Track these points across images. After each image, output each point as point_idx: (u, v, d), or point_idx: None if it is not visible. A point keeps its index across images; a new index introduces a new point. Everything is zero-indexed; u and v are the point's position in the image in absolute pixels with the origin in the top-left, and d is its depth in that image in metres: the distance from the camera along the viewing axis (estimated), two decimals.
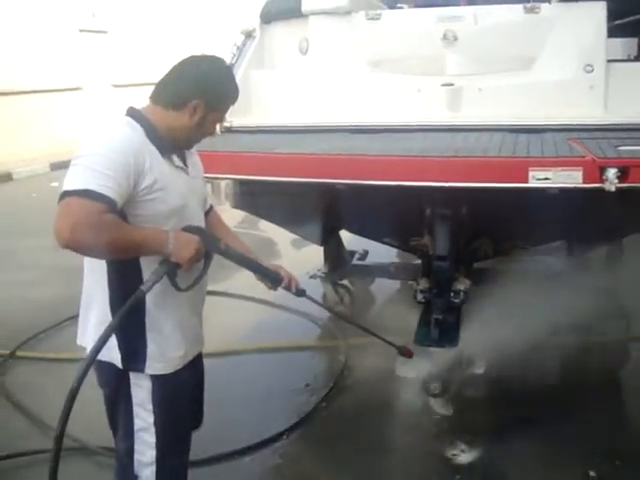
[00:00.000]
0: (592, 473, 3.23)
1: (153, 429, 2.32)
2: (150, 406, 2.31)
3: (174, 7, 15.69)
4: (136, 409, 2.33)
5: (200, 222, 2.35)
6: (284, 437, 3.62)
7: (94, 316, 2.29)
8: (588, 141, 3.29)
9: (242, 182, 3.92)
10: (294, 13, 4.27)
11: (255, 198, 3.99)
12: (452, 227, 3.56)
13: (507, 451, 3.42)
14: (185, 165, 2.32)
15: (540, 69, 3.89)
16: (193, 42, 15.81)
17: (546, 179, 2.95)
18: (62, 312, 4.93)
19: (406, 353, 3.12)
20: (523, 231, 3.66)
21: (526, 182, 2.96)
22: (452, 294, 3.56)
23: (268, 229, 5.85)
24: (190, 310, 2.38)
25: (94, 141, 2.11)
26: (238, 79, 4.20)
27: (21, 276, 6.33)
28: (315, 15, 4.17)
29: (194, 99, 2.19)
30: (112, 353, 2.25)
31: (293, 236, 5.34)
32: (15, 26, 12.00)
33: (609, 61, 3.89)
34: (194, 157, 2.43)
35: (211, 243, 2.26)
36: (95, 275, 2.26)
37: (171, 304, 2.27)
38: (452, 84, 3.93)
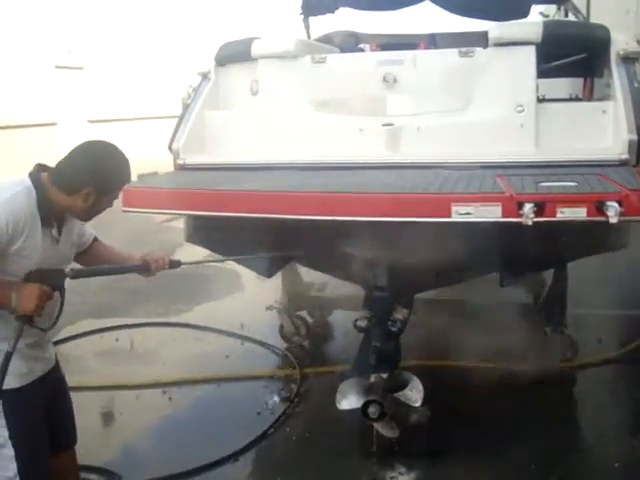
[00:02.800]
0: None
1: (10, 443, 2.48)
2: (3, 421, 2.47)
3: (149, 45, 15.93)
4: None
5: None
6: (231, 461, 3.76)
7: None
8: (514, 177, 3.48)
9: (195, 217, 4.10)
10: (245, 57, 4.49)
11: (206, 233, 4.15)
12: (390, 259, 3.73)
13: (443, 474, 3.58)
14: (59, 234, 2.52)
15: (474, 109, 4.10)
16: (166, 78, 16.07)
17: (467, 214, 3.13)
18: None
19: None
20: (458, 265, 3.83)
21: (449, 216, 3.15)
22: (390, 323, 3.72)
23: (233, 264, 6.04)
24: (33, 334, 2.51)
25: None
26: (192, 119, 4.49)
27: None
28: (264, 59, 4.39)
29: (85, 188, 2.42)
30: None
31: None
32: None
33: (539, 101, 4.12)
34: (71, 223, 2.61)
35: (56, 277, 2.45)
36: None
37: (9, 332, 2.43)
38: (392, 124, 4.14)
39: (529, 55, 4.05)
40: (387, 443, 3.76)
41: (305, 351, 5.22)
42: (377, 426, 3.72)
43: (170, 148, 4.43)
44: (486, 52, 4.15)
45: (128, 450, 3.94)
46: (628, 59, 4.00)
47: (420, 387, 3.71)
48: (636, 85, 3.92)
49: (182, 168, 4.34)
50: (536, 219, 3.07)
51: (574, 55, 4.32)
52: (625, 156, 3.74)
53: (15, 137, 12.46)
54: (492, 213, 3.13)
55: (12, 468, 2.50)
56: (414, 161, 4.00)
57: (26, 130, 12.70)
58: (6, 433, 2.47)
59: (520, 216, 3.09)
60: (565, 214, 3.08)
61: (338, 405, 3.69)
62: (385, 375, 3.66)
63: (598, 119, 3.98)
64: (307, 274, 5.53)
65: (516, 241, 3.44)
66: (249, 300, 6.57)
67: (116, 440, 4.08)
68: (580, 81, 5.13)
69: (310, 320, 5.55)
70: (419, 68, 4.21)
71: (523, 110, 4.03)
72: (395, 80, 4.18)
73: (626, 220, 3.06)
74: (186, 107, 4.59)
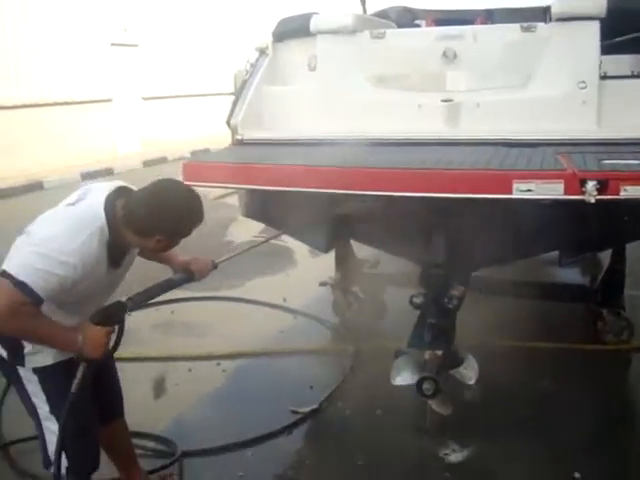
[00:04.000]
0: (577, 475, 3.37)
1: (53, 417, 2.57)
2: (44, 397, 2.56)
3: (202, 23, 16.03)
4: (34, 400, 2.59)
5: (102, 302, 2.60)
6: (285, 433, 3.81)
7: None
8: (575, 155, 3.44)
9: (252, 192, 4.15)
10: (304, 32, 4.50)
11: (264, 207, 4.19)
12: (447, 236, 3.73)
13: (496, 451, 3.57)
14: (120, 265, 2.57)
15: (536, 85, 4.05)
16: (219, 55, 16.16)
17: (529, 190, 3.11)
18: None
19: None
20: (517, 242, 3.80)
21: (510, 193, 3.13)
22: (446, 300, 3.72)
23: (287, 239, 6.08)
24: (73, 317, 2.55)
25: (64, 237, 2.33)
26: (250, 94, 4.51)
27: None
28: (322, 34, 4.39)
29: (158, 235, 2.46)
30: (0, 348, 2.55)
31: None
32: (49, 39, 12.40)
33: (602, 78, 4.04)
34: (133, 252, 2.67)
35: (119, 313, 2.52)
36: None
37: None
38: (451, 100, 4.11)
39: (593, 30, 3.98)
40: (440, 420, 3.77)
41: (358, 327, 5.22)
42: (431, 403, 3.73)
43: (228, 123, 4.46)
44: (548, 27, 4.09)
45: (182, 420, 4.01)
46: None
47: (475, 365, 3.72)
48: None
49: (240, 143, 4.38)
50: (599, 197, 3.04)
51: (639, 31, 4.22)
52: None
53: (71, 113, 12.70)
54: (554, 190, 3.10)
55: (57, 441, 2.57)
56: (473, 138, 3.98)
57: (82, 106, 12.93)
58: (47, 408, 2.57)
59: (582, 194, 3.05)
60: (628, 192, 3.04)
61: (392, 381, 3.71)
62: (440, 352, 3.66)
63: None
64: (360, 250, 5.54)
65: (576, 220, 3.40)
66: (302, 276, 6.60)
67: (171, 410, 4.14)
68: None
69: (362, 297, 5.55)
70: (480, 43, 4.18)
71: (585, 87, 3.97)
72: (455, 55, 4.15)
73: None
74: (244, 83, 4.62)
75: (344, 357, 4.73)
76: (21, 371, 2.57)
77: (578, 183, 3.06)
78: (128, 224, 2.44)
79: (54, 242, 2.30)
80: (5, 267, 2.28)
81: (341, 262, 5.56)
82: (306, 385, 4.34)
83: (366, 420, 3.90)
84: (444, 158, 3.55)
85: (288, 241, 7.02)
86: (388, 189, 3.33)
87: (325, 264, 6.01)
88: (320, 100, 4.38)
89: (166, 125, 14.93)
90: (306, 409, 4.00)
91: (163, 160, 13.98)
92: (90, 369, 2.45)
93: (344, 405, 4.11)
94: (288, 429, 3.84)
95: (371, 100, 4.27)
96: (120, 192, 2.50)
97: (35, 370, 2.54)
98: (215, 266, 3.07)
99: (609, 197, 3.04)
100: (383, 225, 3.89)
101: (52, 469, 2.65)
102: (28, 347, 2.51)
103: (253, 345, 4.96)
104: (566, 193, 3.08)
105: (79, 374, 2.42)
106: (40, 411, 2.60)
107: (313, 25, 4.41)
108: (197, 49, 15.88)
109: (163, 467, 3.43)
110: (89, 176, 11.79)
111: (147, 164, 13.62)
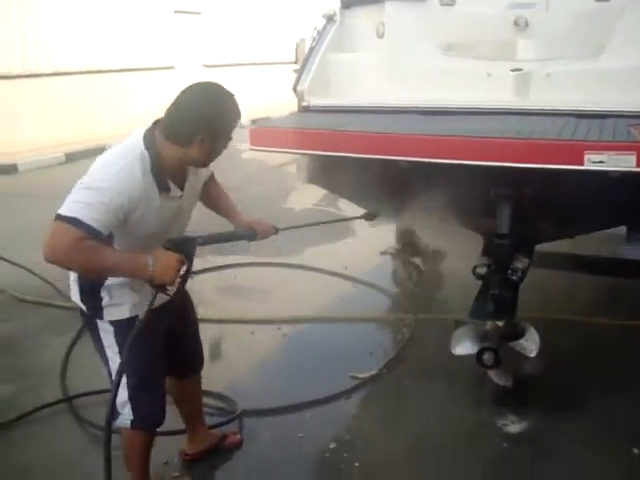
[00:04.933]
0: (636, 450, 3.35)
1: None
2: (117, 349, 2.62)
3: None
4: (108, 352, 2.67)
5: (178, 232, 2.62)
6: (344, 398, 3.85)
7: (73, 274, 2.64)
8: None
9: (316, 158, 4.17)
10: None
11: (327, 173, 4.21)
12: (513, 206, 3.70)
13: (555, 425, 3.54)
14: (182, 190, 2.56)
15: (609, 56, 3.96)
16: (281, 23, 16.14)
17: (601, 162, 3.07)
18: None
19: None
20: (584, 215, 3.75)
21: (582, 164, 3.09)
22: (510, 271, 3.70)
23: (346, 207, 6.08)
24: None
25: (103, 169, 2.37)
26: (317, 61, 4.51)
27: None
28: (391, 1, 4.35)
29: (198, 135, 2.41)
30: (80, 302, 2.65)
31: None
32: (115, 6, 12.56)
33: None
34: (194, 175, 2.64)
35: (189, 246, 2.50)
36: None
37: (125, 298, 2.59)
38: (521, 69, 4.05)
39: None
40: (499, 391, 3.77)
41: (417, 297, 5.23)
42: (491, 374, 3.73)
43: (295, 90, 4.48)
44: None
45: (243, 381, 4.07)
46: None
47: (536, 338, 3.69)
48: None
49: (306, 110, 4.40)
50: None
51: None
52: None
53: (136, 80, 12.87)
54: (626, 162, 3.05)
55: (124, 394, 2.67)
56: (542, 108, 3.91)
57: (146, 73, 13.08)
58: (118, 359, 2.61)
59: None
60: None
61: (453, 351, 3.71)
62: (501, 323, 3.65)
63: None
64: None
65: None
66: (362, 245, 6.61)
67: (233, 371, 4.22)
68: None
69: (423, 268, 5.56)
70: (552, 12, 4.10)
71: None
72: (527, 24, 4.09)
73: None
74: (311, 50, 4.62)
75: (403, 326, 4.76)
76: (99, 323, 2.65)
77: None
78: (167, 137, 2.43)
79: (95, 175, 2.36)
80: (57, 211, 2.33)
81: (401, 232, 5.57)
82: (365, 352, 4.38)
83: (423, 388, 3.90)
84: (513, 128, 3.51)
85: (346, 210, 7.06)
86: (458, 157, 3.31)
87: (383, 234, 6.03)
88: (388, 67, 4.37)
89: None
90: (365, 375, 4.04)
91: None
92: (156, 294, 2.42)
93: (402, 373, 4.14)
94: (347, 394, 3.89)
95: (439, 68, 4.24)
96: (156, 122, 2.51)
97: (112, 323, 2.63)
98: (277, 231, 3.10)
99: None
100: (447, 195, 3.86)
101: (117, 421, 2.73)
102: (106, 299, 2.59)
103: (314, 311, 5.01)
104: (638, 165, 3.03)
105: (149, 304, 2.41)
106: (111, 364, 2.68)
107: None
108: (259, 17, 15.88)
109: (222, 423, 3.52)
110: None
111: None
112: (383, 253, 5.57)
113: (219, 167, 2.90)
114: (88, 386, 3.81)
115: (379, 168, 3.78)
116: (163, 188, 2.47)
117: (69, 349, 4.33)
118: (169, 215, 2.56)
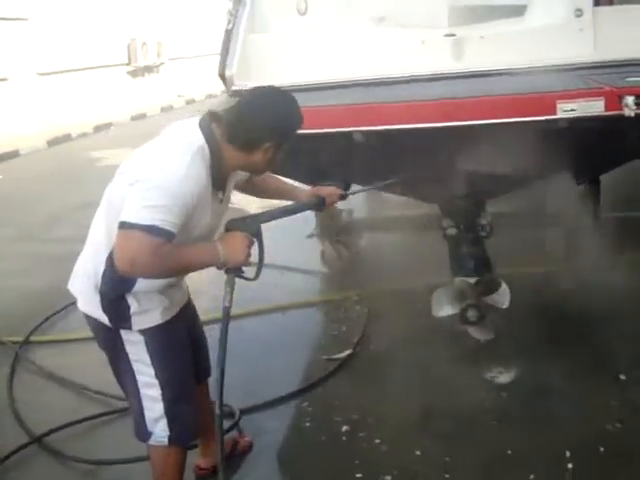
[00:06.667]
0: (622, 377, 3.57)
1: (156, 382, 2.48)
2: (148, 360, 2.47)
3: None
4: (136, 365, 2.49)
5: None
6: (332, 380, 3.82)
7: (84, 269, 2.47)
8: (595, 77, 3.56)
9: None
10: None
11: None
12: (469, 166, 3.76)
13: (543, 368, 3.70)
14: (224, 193, 2.47)
15: (533, 16, 4.14)
16: (115, 25, 15.56)
17: (572, 110, 3.21)
18: (58, 300, 4.68)
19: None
20: (535, 164, 3.88)
21: (555, 114, 3.21)
22: (479, 228, 3.79)
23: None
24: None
25: (165, 166, 2.21)
26: (239, 44, 4.35)
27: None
28: None
29: (266, 142, 2.34)
30: (99, 312, 2.43)
31: None
32: None
33: (595, 5, 4.17)
34: (232, 178, 2.55)
35: (254, 224, 2.43)
36: (99, 244, 2.40)
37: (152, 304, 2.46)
38: (454, 34, 4.13)
39: None
40: (477, 346, 3.85)
41: (354, 273, 5.22)
42: (471, 330, 3.81)
43: (221, 76, 4.31)
44: None
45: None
46: None
47: (507, 290, 3.80)
48: None
49: (239, 95, 4.24)
50: (638, 111, 3.16)
51: None
52: None
53: None
54: (596, 108, 3.20)
55: (158, 409, 2.51)
56: (479, 70, 4.00)
57: None
58: (152, 371, 2.47)
59: (622, 109, 3.17)
60: None
61: (435, 313, 3.77)
62: (475, 279, 3.72)
63: None
64: None
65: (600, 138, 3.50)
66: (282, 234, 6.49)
67: None
68: None
69: (350, 244, 5.57)
70: None
71: (582, 14, 4.06)
72: None
73: None
74: (228, 32, 4.45)
75: (354, 303, 4.74)
76: (124, 334, 2.46)
77: (617, 99, 3.18)
78: (232, 140, 2.33)
79: (162, 173, 2.19)
80: (124, 218, 2.14)
81: (320, 214, 5.52)
82: (328, 334, 4.35)
83: (403, 356, 3.88)
84: (470, 89, 3.58)
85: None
86: (425, 121, 3.33)
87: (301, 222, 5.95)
88: (315, 45, 4.28)
89: (66, 101, 14.25)
90: (342, 355, 4.00)
91: (68, 137, 13.37)
92: (234, 278, 2.34)
93: (376, 346, 4.14)
94: (332, 375, 3.85)
95: (372, 40, 4.22)
96: (212, 116, 2.39)
97: (142, 331, 2.44)
98: (344, 197, 3.03)
99: None
100: (405, 166, 3.86)
101: (151, 440, 2.56)
102: (134, 307, 2.41)
103: (247, 306, 4.60)
104: (607, 110, 3.19)
105: (228, 286, 2.34)
106: (139, 377, 2.49)
107: None
108: (89, 19, 15.15)
109: (227, 430, 3.29)
110: None
111: (51, 143, 12.94)
112: (310, 236, 5.52)
113: None
114: (49, 422, 3.51)
115: (331, 144, 3.72)
116: (217, 186, 2.38)
117: (9, 387, 3.92)
118: (215, 217, 2.45)
